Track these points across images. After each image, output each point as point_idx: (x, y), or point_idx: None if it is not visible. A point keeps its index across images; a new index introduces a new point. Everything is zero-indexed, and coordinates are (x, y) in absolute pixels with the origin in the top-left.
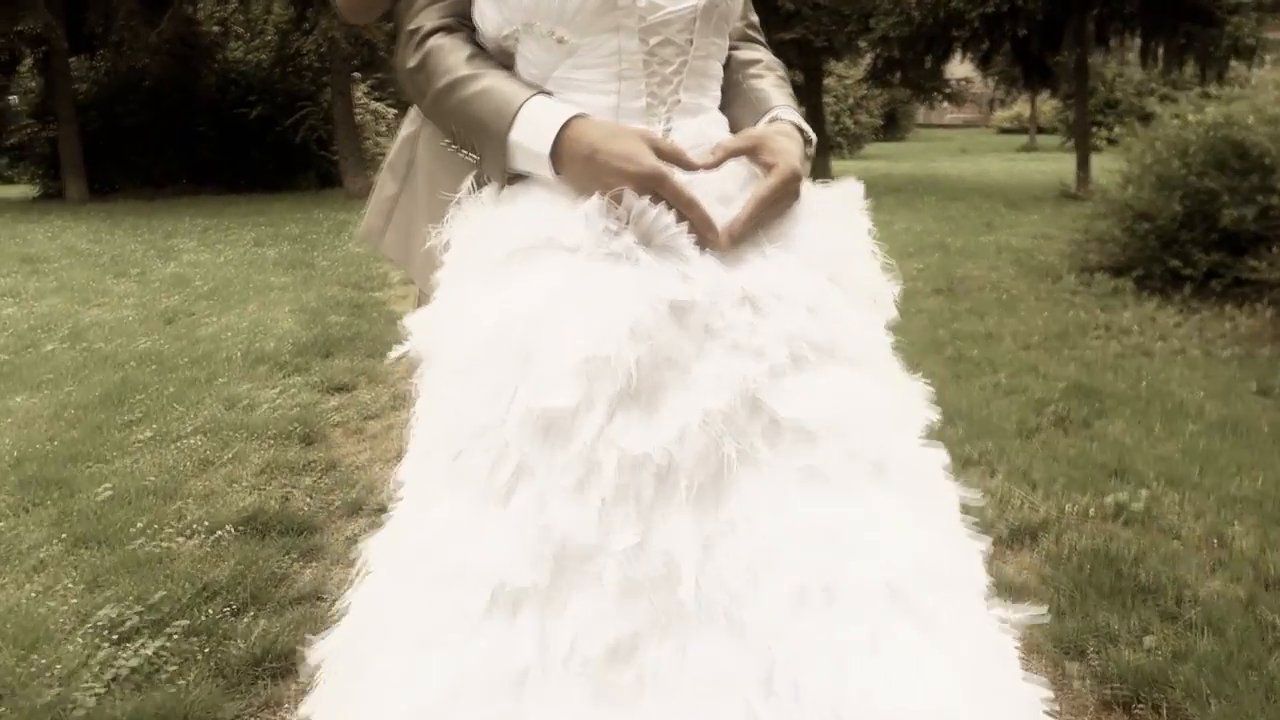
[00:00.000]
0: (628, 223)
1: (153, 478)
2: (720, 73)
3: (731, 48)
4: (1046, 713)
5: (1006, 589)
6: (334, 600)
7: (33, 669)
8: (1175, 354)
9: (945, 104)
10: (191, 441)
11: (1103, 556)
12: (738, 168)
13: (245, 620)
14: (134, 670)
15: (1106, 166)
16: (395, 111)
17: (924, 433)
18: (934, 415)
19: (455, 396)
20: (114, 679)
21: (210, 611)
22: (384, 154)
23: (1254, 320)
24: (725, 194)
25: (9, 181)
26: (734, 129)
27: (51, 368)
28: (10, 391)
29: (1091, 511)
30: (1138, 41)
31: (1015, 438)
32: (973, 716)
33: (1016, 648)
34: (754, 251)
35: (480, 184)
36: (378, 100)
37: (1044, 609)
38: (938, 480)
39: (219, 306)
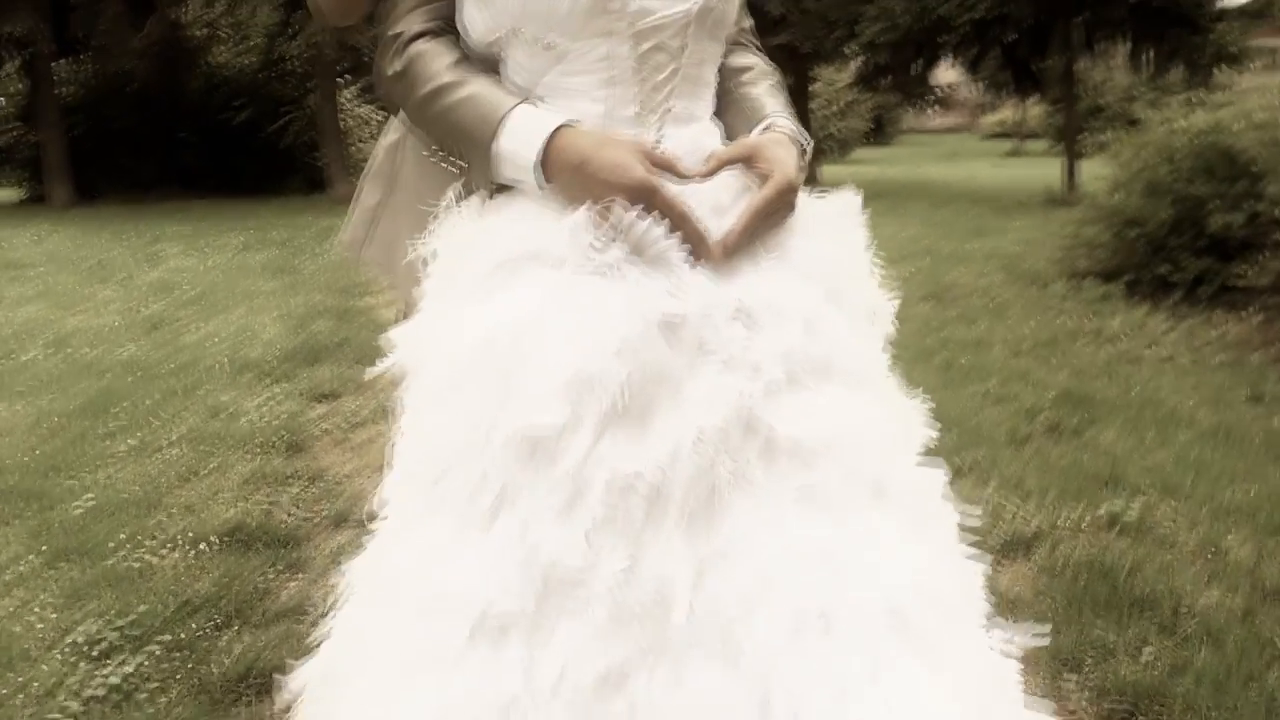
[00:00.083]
0: (617, 235)
1: (134, 489)
2: (714, 80)
3: (724, 53)
4: None
5: (1001, 601)
6: (317, 617)
7: (7, 689)
8: (1165, 361)
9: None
10: (174, 452)
11: (1098, 568)
12: (731, 178)
13: (227, 636)
14: (113, 689)
15: (1094, 172)
16: (382, 116)
17: (922, 449)
18: (933, 433)
19: (437, 416)
20: (92, 698)
21: (192, 627)
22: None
23: (1242, 326)
24: (719, 205)
25: None
26: (728, 137)
27: (32, 376)
28: None
29: (1085, 522)
30: (1125, 47)
31: (1007, 446)
32: None
33: (1018, 670)
34: (748, 265)
35: (465, 194)
36: (364, 105)
37: (1045, 629)
38: (937, 501)
39: (203, 313)
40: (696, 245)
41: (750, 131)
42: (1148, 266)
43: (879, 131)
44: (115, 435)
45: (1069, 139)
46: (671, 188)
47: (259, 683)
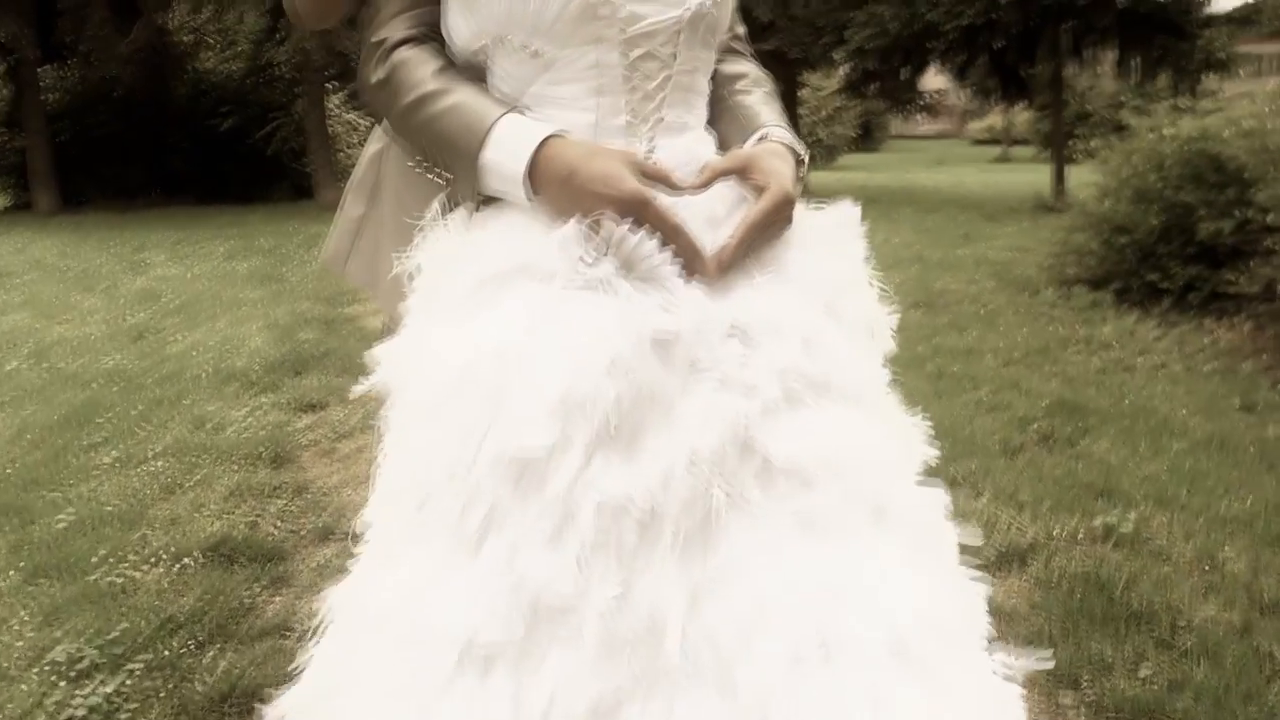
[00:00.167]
0: (608, 249)
1: (115, 504)
2: (706, 88)
3: (716, 61)
4: None
5: (996, 615)
6: (301, 634)
7: None
8: (1157, 369)
9: (920, 115)
10: (157, 465)
11: (1093, 581)
12: (726, 190)
13: (209, 655)
14: (91, 710)
15: (1083, 179)
16: (369, 122)
17: (922, 469)
18: (933, 453)
19: (422, 438)
20: (71, 719)
21: (174, 645)
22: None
23: (1233, 334)
24: (713, 217)
25: None
26: (722, 147)
27: (13, 387)
28: None
29: (1080, 534)
30: (1113, 54)
31: (1000, 456)
32: None
33: (1020, 695)
34: (744, 280)
35: (450, 206)
36: (352, 111)
37: (1048, 654)
38: (938, 522)
39: (188, 322)
40: (690, 259)
41: (745, 141)
42: (1137, 274)
43: (866, 137)
44: (98, 447)
45: (1057, 145)
46: (664, 200)
47: (242, 703)
